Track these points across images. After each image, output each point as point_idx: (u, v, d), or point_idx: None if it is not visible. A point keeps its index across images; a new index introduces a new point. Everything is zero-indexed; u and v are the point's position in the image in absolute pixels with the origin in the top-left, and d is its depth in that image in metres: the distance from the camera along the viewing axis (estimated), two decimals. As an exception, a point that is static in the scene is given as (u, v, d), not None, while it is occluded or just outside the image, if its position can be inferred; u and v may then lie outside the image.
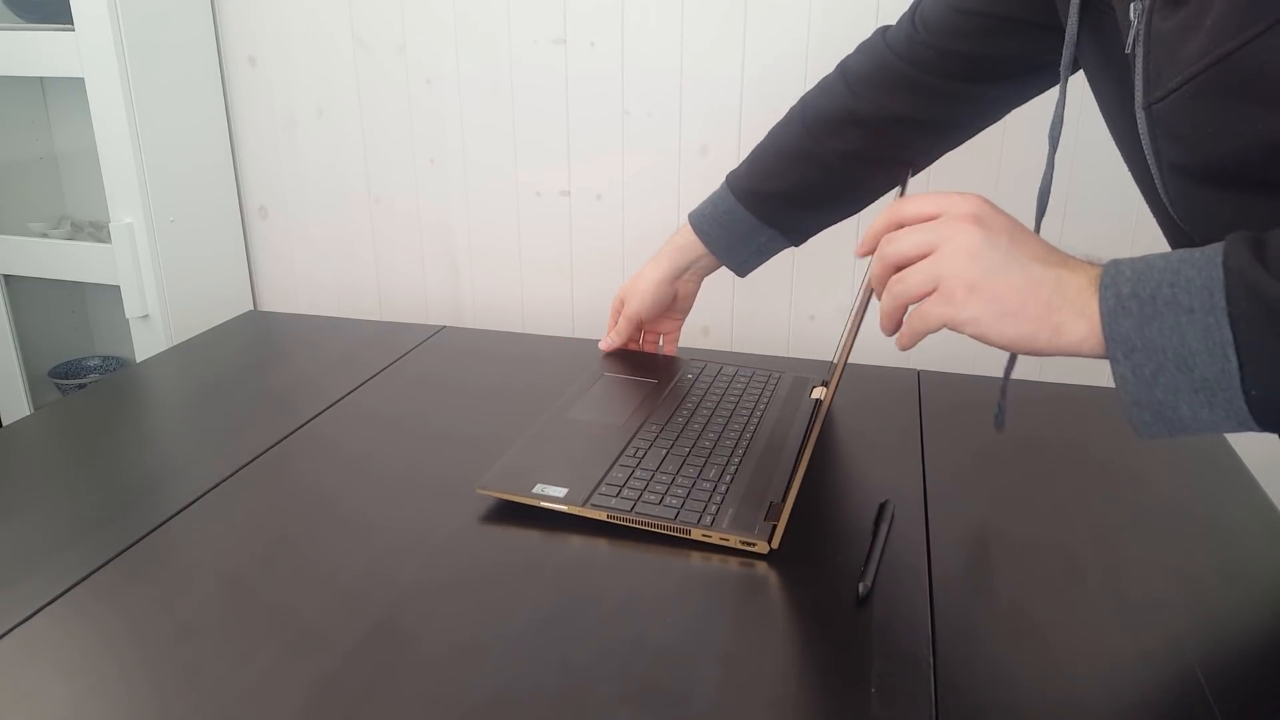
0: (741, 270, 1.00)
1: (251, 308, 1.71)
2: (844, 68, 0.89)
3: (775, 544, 0.70)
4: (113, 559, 0.70)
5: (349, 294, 1.68)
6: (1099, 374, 1.17)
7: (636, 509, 0.73)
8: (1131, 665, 0.60)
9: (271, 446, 0.88)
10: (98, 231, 1.67)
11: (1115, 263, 0.51)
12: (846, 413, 0.96)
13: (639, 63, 1.41)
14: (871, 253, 0.59)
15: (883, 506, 0.76)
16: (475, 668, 0.59)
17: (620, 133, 1.45)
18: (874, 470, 0.85)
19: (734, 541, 0.70)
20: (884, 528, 0.73)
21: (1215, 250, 0.48)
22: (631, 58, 1.42)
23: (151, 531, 0.74)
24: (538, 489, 0.76)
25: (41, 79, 1.69)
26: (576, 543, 0.72)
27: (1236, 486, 0.83)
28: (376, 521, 0.75)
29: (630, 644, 0.61)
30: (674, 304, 1.03)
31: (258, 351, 1.15)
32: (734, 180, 0.96)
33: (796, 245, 0.98)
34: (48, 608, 0.65)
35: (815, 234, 0.97)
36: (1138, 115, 0.58)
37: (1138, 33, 0.56)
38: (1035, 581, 0.69)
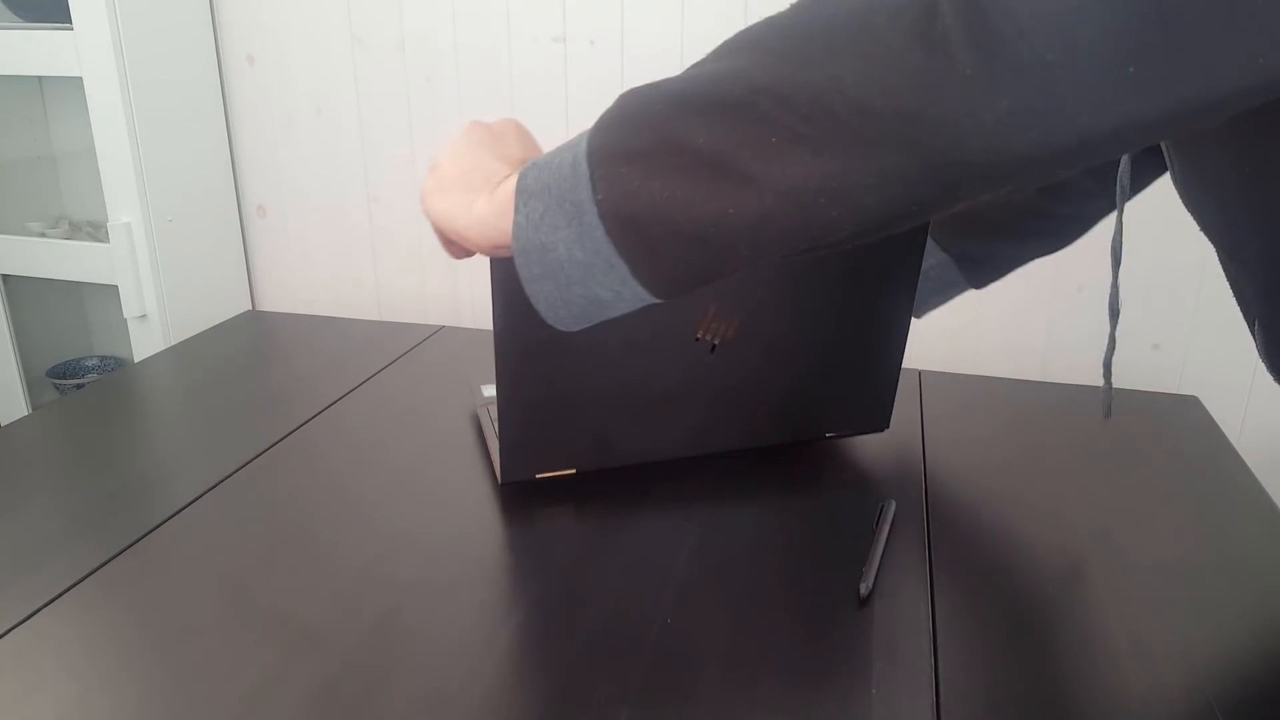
0: (916, 312, 0.89)
1: (250, 307, 1.71)
2: None
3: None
4: (112, 559, 0.70)
5: (347, 293, 1.67)
6: (1097, 374, 1.16)
7: None
8: (1132, 666, 0.60)
9: (270, 447, 0.88)
10: (96, 231, 1.67)
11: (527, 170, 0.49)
12: (846, 412, 0.96)
13: (639, 61, 1.41)
14: None
15: (883, 507, 0.76)
16: (475, 668, 0.58)
17: (619, 132, 1.45)
18: (875, 470, 0.85)
19: None
20: (885, 528, 0.73)
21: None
22: (632, 56, 1.41)
23: (150, 531, 0.74)
24: None
25: (39, 78, 1.69)
26: (577, 542, 0.72)
27: (1237, 486, 0.83)
28: (376, 522, 0.75)
29: (630, 644, 0.61)
30: None
31: (256, 351, 1.14)
32: None
33: (977, 286, 0.87)
34: (47, 607, 0.64)
35: (1000, 274, 0.86)
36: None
37: None
38: (1036, 582, 0.69)
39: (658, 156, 0.42)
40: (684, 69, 0.46)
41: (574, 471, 0.79)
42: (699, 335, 0.75)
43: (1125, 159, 0.67)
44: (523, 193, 0.48)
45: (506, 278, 0.66)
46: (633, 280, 0.46)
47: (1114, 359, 1.09)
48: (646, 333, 0.73)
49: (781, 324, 0.76)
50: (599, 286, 0.47)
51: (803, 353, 0.79)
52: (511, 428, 0.75)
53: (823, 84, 0.39)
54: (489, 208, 0.50)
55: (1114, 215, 0.85)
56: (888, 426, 0.87)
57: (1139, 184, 0.80)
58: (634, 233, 0.44)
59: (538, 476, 0.79)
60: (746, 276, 0.73)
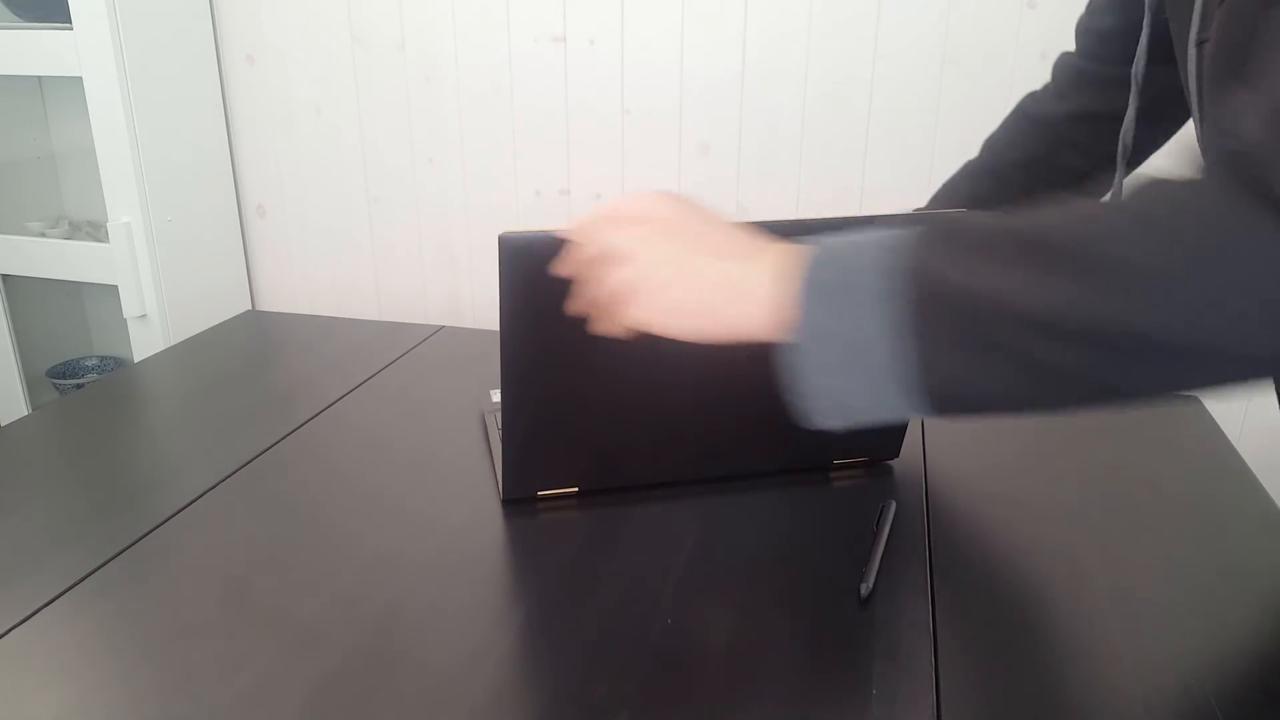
0: None
1: (249, 307, 1.71)
2: (1020, 107, 0.87)
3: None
4: (112, 559, 0.70)
5: (347, 293, 1.67)
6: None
7: None
8: (1133, 666, 0.60)
9: (270, 447, 0.88)
10: (95, 231, 1.67)
11: (811, 244, 0.49)
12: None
13: (639, 61, 1.41)
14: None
15: (884, 507, 0.76)
16: (475, 668, 0.58)
17: (620, 131, 1.45)
18: (875, 471, 0.85)
19: None
20: (885, 529, 0.73)
21: (892, 237, 0.47)
22: (631, 56, 1.41)
23: (150, 532, 0.74)
24: None
25: (39, 78, 1.69)
26: (577, 542, 0.72)
27: (1238, 486, 0.83)
28: (376, 522, 0.75)
29: (631, 644, 0.61)
30: None
31: (256, 351, 1.14)
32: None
33: None
34: (47, 608, 0.64)
35: None
36: (1189, 53, 0.56)
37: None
38: (1036, 583, 0.69)
39: (995, 364, 0.43)
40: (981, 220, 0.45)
41: (576, 490, 0.79)
42: (705, 368, 0.73)
43: (1130, 113, 0.67)
44: (802, 330, 0.47)
45: (514, 295, 0.66)
46: (929, 412, 0.47)
47: None
48: (653, 355, 0.72)
49: None
50: (887, 410, 0.47)
51: None
52: (514, 446, 0.75)
53: (1204, 340, 0.40)
54: (759, 323, 0.50)
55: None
56: (898, 455, 0.86)
57: (1144, 146, 0.81)
58: (951, 407, 0.46)
59: (539, 494, 0.78)
60: None
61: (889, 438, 0.84)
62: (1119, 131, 0.74)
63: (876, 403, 0.47)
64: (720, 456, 0.80)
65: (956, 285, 0.44)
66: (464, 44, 1.47)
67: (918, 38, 1.29)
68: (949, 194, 0.89)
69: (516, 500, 0.78)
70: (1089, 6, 0.81)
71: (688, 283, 0.52)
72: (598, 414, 0.74)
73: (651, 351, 0.72)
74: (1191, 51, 0.56)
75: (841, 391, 0.47)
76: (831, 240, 0.49)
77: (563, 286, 0.65)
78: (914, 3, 1.27)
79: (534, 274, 0.65)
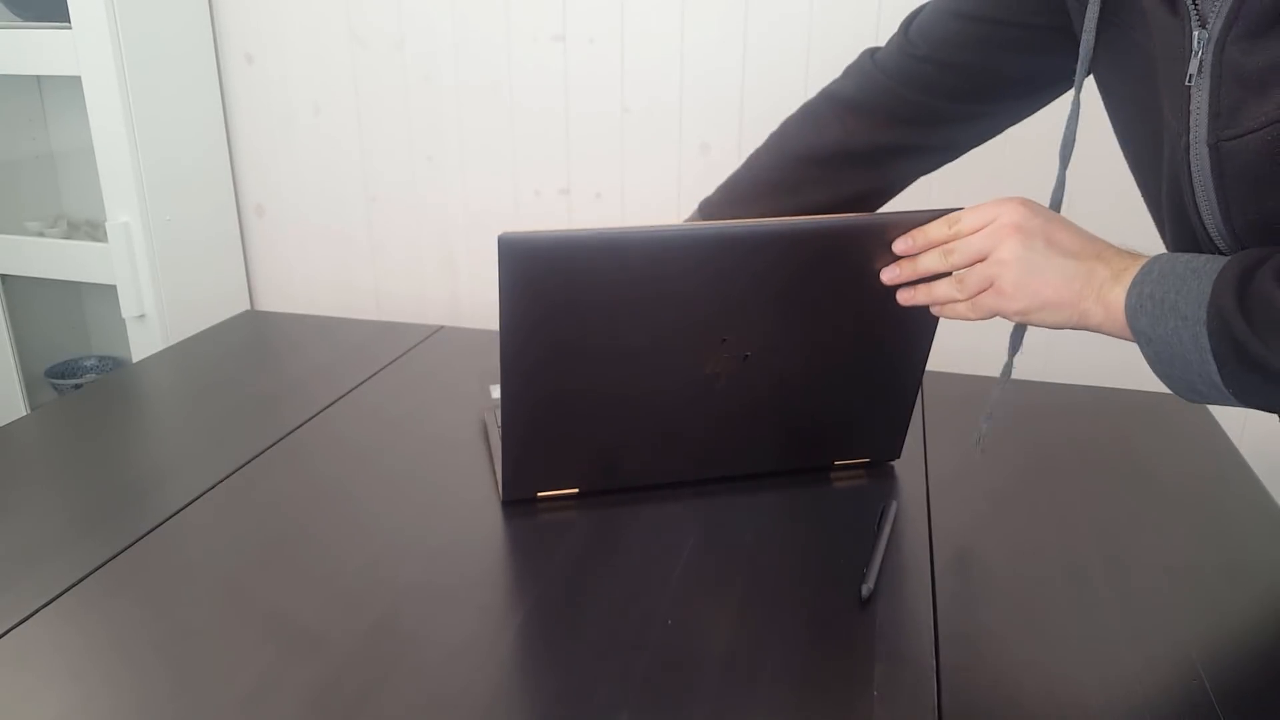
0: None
1: (248, 307, 1.71)
2: (831, 95, 0.83)
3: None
4: (111, 560, 0.70)
5: (346, 293, 1.67)
6: (1099, 374, 1.16)
7: None
8: (1134, 665, 0.60)
9: (269, 447, 0.88)
10: (94, 231, 1.67)
11: (1154, 260, 0.59)
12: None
13: (639, 60, 1.41)
14: (910, 252, 0.69)
15: (885, 508, 0.76)
16: (475, 668, 0.58)
17: (620, 130, 1.45)
18: (876, 471, 0.85)
19: None
20: (886, 529, 0.73)
21: (1216, 265, 0.55)
22: (631, 55, 1.41)
23: (149, 532, 0.74)
24: None
25: (38, 77, 1.69)
26: (577, 543, 0.72)
27: (1239, 484, 0.83)
28: (375, 522, 0.75)
29: (631, 644, 0.60)
30: None
31: (255, 351, 1.14)
32: (707, 209, 0.88)
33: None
34: (46, 608, 0.64)
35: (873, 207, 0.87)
36: (1193, 148, 0.57)
37: (1202, 64, 0.55)
38: (1038, 582, 0.68)
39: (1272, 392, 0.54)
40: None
41: (576, 491, 0.78)
42: (707, 371, 0.73)
43: (1071, 114, 0.69)
44: (1139, 334, 0.58)
45: (514, 295, 0.65)
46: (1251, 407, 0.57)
47: (1115, 359, 1.09)
48: (655, 358, 0.72)
49: (794, 355, 0.75)
50: (1224, 401, 0.57)
51: (814, 384, 0.77)
52: (514, 446, 0.74)
53: None
54: (1103, 320, 0.61)
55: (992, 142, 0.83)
56: (899, 457, 0.86)
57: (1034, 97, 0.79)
58: (1256, 406, 0.56)
59: (539, 495, 0.78)
60: (760, 308, 0.71)
61: (889, 439, 0.84)
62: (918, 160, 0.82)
63: (1215, 394, 0.56)
64: (720, 457, 0.80)
65: (1244, 329, 0.53)
66: (463, 43, 1.47)
67: (918, 37, 1.29)
68: (748, 210, 0.85)
69: (516, 501, 0.78)
70: (925, 38, 0.77)
71: (1058, 282, 0.62)
72: (598, 415, 0.74)
73: (653, 356, 0.71)
74: (1201, 149, 0.57)
75: (1184, 381, 0.57)
76: (1164, 258, 0.58)
77: (563, 288, 0.65)
78: (914, 3, 1.27)
79: (534, 275, 0.65)
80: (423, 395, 1.00)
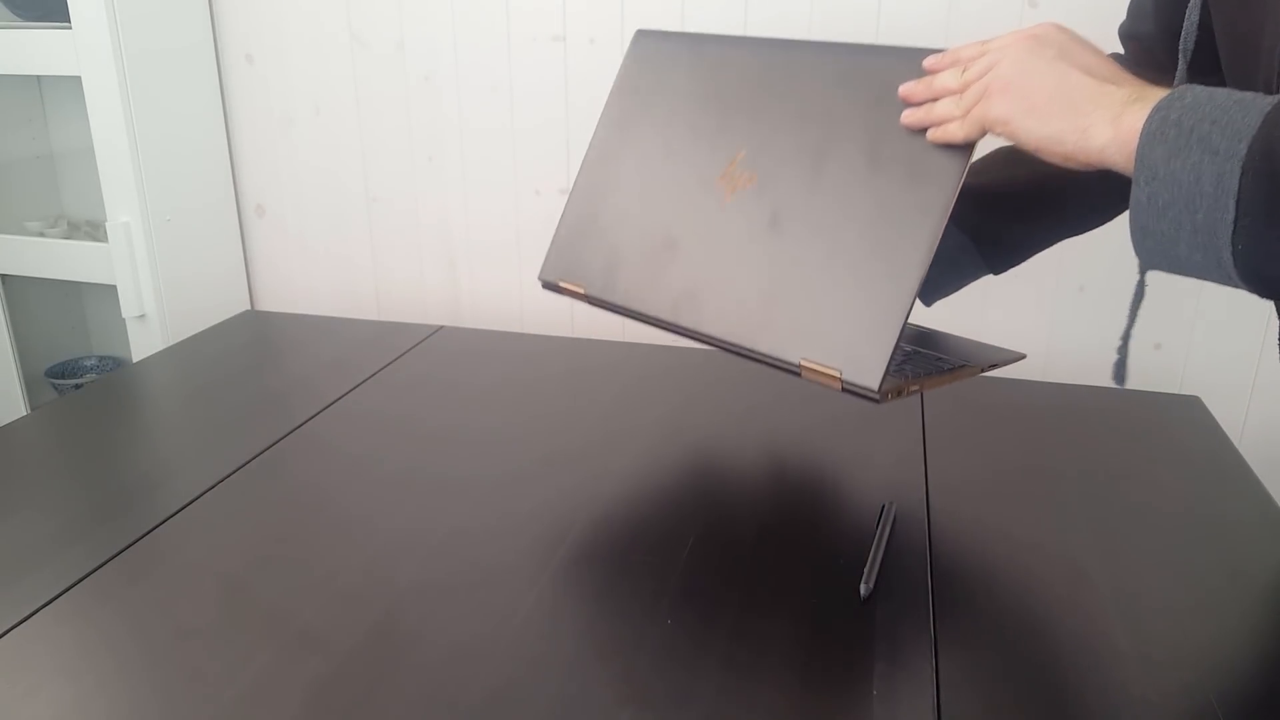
0: (926, 299, 0.83)
1: (248, 307, 1.71)
2: None
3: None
4: (111, 559, 0.70)
5: (346, 293, 1.67)
6: (1098, 374, 1.16)
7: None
8: (1133, 665, 0.60)
9: (269, 447, 0.88)
10: (94, 231, 1.67)
11: (1188, 87, 0.51)
12: (847, 413, 0.95)
13: (638, 61, 1.41)
14: (935, 68, 0.62)
15: (884, 507, 0.76)
16: (474, 668, 0.58)
17: (619, 131, 1.45)
18: (875, 471, 0.85)
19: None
20: (885, 529, 0.73)
21: (1270, 100, 0.47)
22: (630, 56, 1.41)
23: (149, 532, 0.74)
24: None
25: (38, 77, 1.69)
26: (576, 542, 0.72)
27: (1239, 485, 0.83)
28: (375, 522, 0.75)
29: (630, 644, 0.61)
30: None
31: (255, 351, 1.14)
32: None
33: (996, 271, 0.81)
34: (46, 608, 0.64)
35: (1021, 258, 0.80)
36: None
37: None
38: (1036, 582, 0.68)
39: None
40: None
41: (583, 291, 0.78)
42: (719, 180, 0.71)
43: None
44: (1145, 166, 0.50)
45: (628, 89, 0.73)
46: (1232, 281, 0.49)
47: (1114, 359, 1.08)
48: (688, 156, 0.73)
49: (797, 189, 0.70)
50: (1199, 271, 0.50)
51: (806, 235, 0.70)
52: (566, 231, 0.78)
53: None
54: (1109, 142, 0.52)
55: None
56: (876, 390, 0.67)
57: None
58: (1255, 281, 0.48)
59: (560, 284, 0.79)
60: (780, 134, 0.68)
61: (866, 353, 0.67)
62: None
63: (1197, 257, 0.49)
64: (702, 300, 0.74)
65: None
66: (463, 43, 1.47)
67: (918, 38, 1.29)
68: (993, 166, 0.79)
69: (547, 286, 0.81)
70: (1128, 11, 0.77)
71: (1054, 86, 0.54)
72: (622, 220, 0.76)
73: (674, 170, 0.74)
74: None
75: (1167, 237, 0.50)
76: (1199, 87, 0.50)
77: (673, 95, 0.72)
78: (914, 3, 1.27)
79: (657, 72, 0.68)
80: (423, 395, 1.00)
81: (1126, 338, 0.70)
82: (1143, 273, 0.58)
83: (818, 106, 0.69)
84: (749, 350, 0.72)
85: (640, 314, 0.76)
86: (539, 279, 0.80)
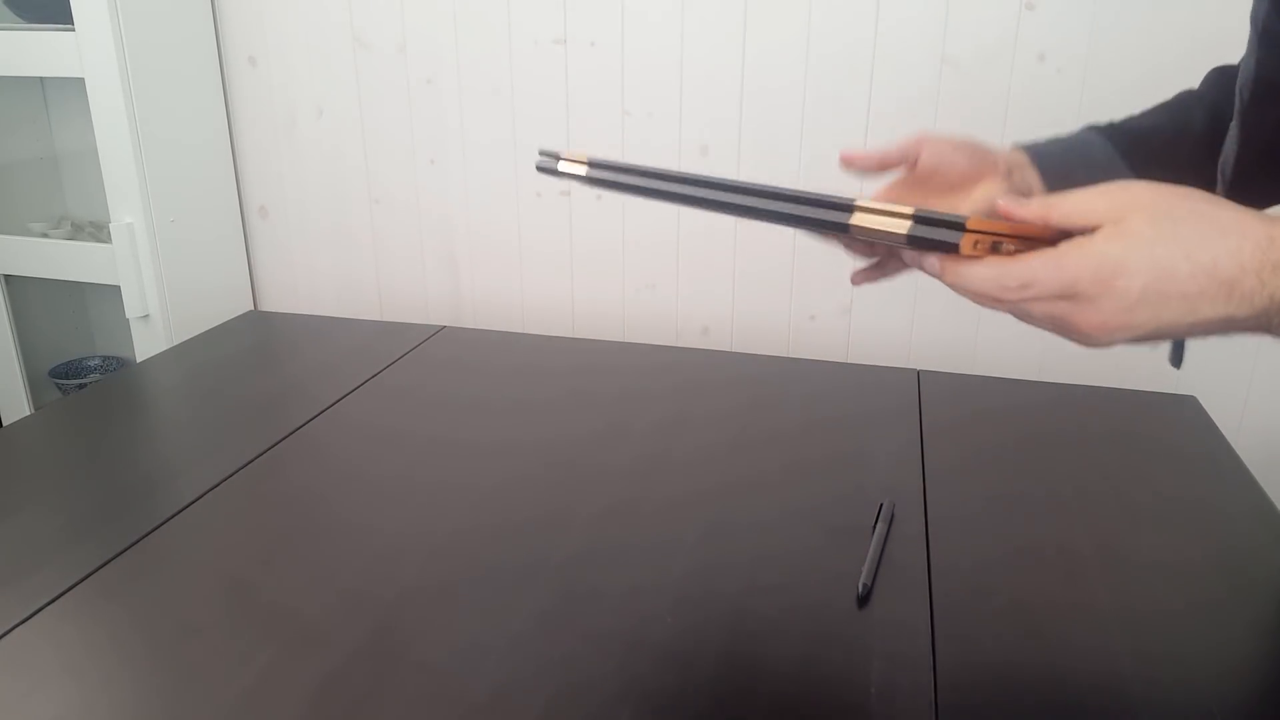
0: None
1: (252, 308, 1.71)
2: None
3: None
4: (113, 558, 0.70)
5: (349, 294, 1.68)
6: (1099, 374, 1.16)
7: None
8: (1132, 665, 0.60)
9: (272, 447, 0.88)
10: (98, 231, 1.67)
11: None
12: (847, 413, 0.96)
13: (639, 63, 1.41)
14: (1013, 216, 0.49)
15: (882, 506, 0.76)
16: (475, 668, 0.59)
17: (620, 133, 1.45)
18: (874, 470, 0.85)
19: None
20: (884, 527, 0.73)
21: None
22: (632, 58, 1.42)
23: (152, 531, 0.74)
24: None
25: (42, 79, 1.69)
26: (576, 542, 0.72)
27: (1235, 484, 0.83)
28: (377, 522, 0.75)
29: (630, 644, 0.61)
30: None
31: (258, 352, 1.15)
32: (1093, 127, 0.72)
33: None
34: (48, 607, 0.65)
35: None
36: None
37: None
38: (1035, 581, 0.69)
39: None
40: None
41: (586, 161, 0.61)
42: None
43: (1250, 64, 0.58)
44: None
45: None
46: None
47: (1112, 360, 1.07)
48: None
49: None
50: None
51: None
52: None
53: None
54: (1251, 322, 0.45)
55: None
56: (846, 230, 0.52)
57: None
58: None
59: (561, 158, 0.65)
60: None
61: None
62: None
63: None
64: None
65: None
66: (465, 46, 1.47)
67: (916, 39, 1.29)
68: (1148, 114, 0.72)
69: (543, 169, 0.62)
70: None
71: (1177, 303, 0.45)
72: None
73: None
74: None
75: None
76: None
77: None
78: (913, 3, 1.28)
79: None
80: (425, 395, 1.00)
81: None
82: None
83: None
84: (793, 197, 0.53)
85: (657, 174, 0.59)
86: (536, 166, 0.64)
